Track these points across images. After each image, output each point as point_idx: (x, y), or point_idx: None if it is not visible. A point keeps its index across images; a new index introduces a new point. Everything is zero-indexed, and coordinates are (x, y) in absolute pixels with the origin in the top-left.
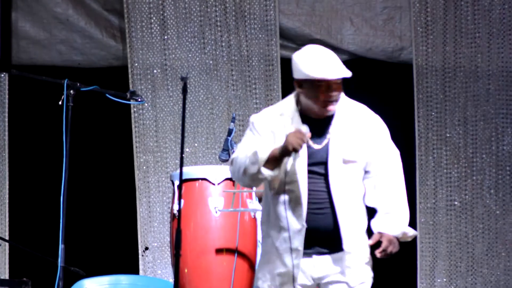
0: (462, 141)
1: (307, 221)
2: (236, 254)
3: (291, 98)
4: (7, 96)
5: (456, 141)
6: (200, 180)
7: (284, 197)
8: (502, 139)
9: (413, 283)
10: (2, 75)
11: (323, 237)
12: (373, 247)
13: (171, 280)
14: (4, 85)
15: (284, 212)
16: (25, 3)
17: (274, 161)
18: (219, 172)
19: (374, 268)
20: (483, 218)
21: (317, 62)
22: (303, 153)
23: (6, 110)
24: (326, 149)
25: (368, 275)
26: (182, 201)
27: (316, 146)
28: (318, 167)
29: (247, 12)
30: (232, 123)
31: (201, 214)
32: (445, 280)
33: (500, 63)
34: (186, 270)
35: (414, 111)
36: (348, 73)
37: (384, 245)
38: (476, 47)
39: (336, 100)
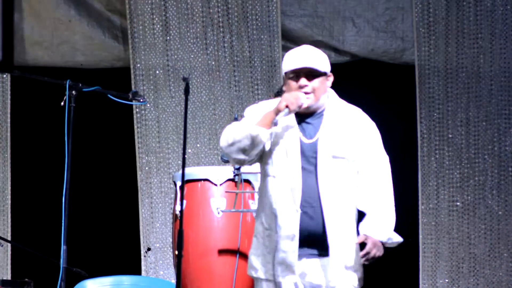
0: (464, 142)
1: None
2: (238, 255)
3: None
4: (9, 97)
5: (458, 142)
6: (202, 181)
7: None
8: (504, 140)
9: (415, 284)
10: (4, 76)
11: (312, 237)
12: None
13: (173, 281)
14: (6, 86)
15: (279, 199)
16: (28, 4)
17: (268, 121)
18: (221, 173)
19: (376, 269)
20: (485, 219)
21: (289, 56)
22: (296, 146)
23: (9, 111)
24: (315, 144)
25: (352, 281)
26: (184, 201)
27: (306, 140)
28: (309, 162)
29: (249, 13)
30: None
31: (203, 215)
32: (447, 281)
33: (503, 64)
34: (188, 271)
35: (416, 112)
36: (316, 65)
37: (368, 247)
38: (478, 48)
39: (309, 92)
